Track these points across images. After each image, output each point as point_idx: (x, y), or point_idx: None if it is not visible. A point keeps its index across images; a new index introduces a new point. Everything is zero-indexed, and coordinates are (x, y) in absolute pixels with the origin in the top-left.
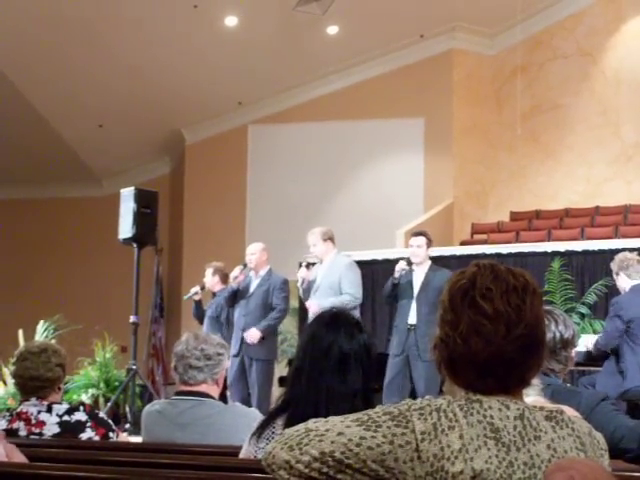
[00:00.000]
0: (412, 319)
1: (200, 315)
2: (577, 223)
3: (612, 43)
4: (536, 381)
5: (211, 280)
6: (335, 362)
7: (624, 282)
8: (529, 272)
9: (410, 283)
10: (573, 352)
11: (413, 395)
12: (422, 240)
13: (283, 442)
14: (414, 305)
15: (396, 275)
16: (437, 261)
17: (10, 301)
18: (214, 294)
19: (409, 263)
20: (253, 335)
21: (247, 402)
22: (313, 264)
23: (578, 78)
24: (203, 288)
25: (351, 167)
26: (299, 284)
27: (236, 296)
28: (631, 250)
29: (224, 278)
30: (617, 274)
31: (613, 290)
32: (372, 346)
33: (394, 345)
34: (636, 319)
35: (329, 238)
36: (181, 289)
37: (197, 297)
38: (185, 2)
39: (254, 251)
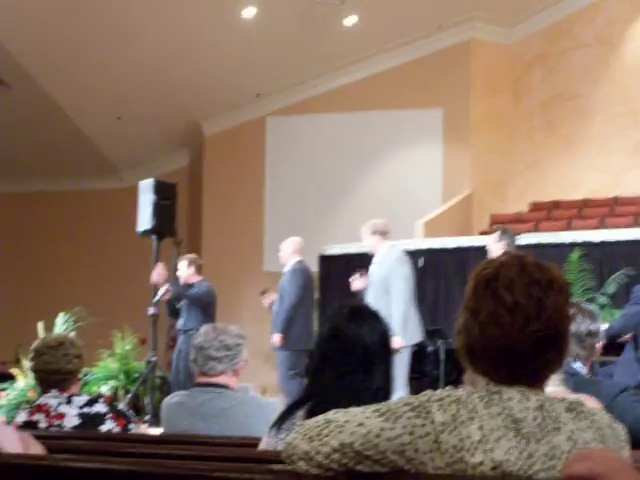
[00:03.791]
0: None
1: (174, 311)
2: (596, 213)
3: (631, 32)
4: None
5: (186, 272)
6: (359, 357)
7: None
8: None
9: None
10: (599, 344)
11: None
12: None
13: (303, 433)
14: None
15: None
16: (456, 252)
17: (30, 293)
18: (190, 285)
19: None
20: (275, 341)
21: None
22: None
23: (597, 67)
24: (173, 285)
25: (369, 158)
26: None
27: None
28: None
29: (199, 269)
30: None
31: (634, 280)
32: (391, 338)
33: None
34: None
35: (377, 231)
36: None
37: (167, 296)
38: None
39: (280, 247)
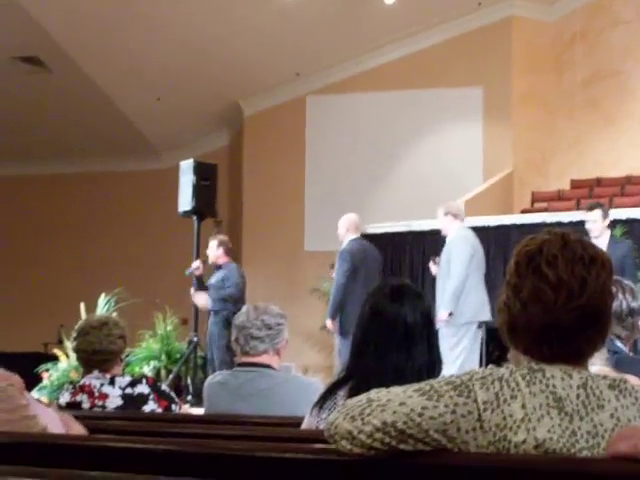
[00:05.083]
0: None
1: (202, 289)
2: (639, 190)
3: None
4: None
5: (215, 252)
6: (401, 336)
7: None
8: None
9: None
10: None
11: None
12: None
13: (345, 413)
14: None
15: None
16: (497, 231)
17: (71, 274)
18: (219, 267)
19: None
20: (329, 326)
21: None
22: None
23: (639, 44)
24: (205, 262)
25: (410, 137)
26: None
27: None
28: None
29: (228, 251)
30: None
31: None
32: (433, 316)
33: None
34: None
35: (449, 212)
36: (241, 261)
37: (198, 272)
38: None
39: (338, 226)
